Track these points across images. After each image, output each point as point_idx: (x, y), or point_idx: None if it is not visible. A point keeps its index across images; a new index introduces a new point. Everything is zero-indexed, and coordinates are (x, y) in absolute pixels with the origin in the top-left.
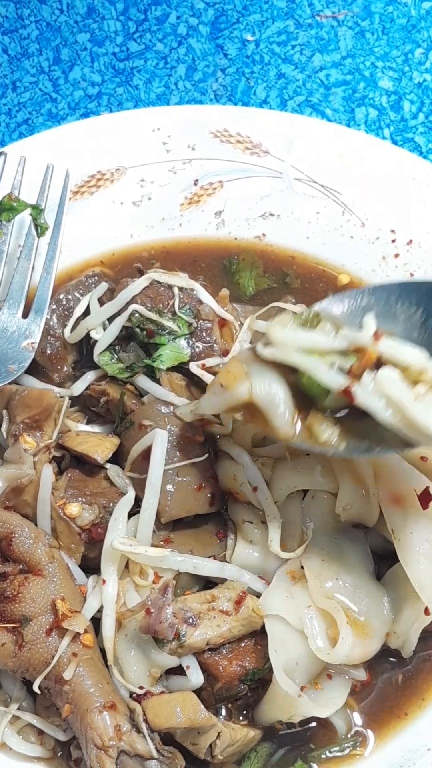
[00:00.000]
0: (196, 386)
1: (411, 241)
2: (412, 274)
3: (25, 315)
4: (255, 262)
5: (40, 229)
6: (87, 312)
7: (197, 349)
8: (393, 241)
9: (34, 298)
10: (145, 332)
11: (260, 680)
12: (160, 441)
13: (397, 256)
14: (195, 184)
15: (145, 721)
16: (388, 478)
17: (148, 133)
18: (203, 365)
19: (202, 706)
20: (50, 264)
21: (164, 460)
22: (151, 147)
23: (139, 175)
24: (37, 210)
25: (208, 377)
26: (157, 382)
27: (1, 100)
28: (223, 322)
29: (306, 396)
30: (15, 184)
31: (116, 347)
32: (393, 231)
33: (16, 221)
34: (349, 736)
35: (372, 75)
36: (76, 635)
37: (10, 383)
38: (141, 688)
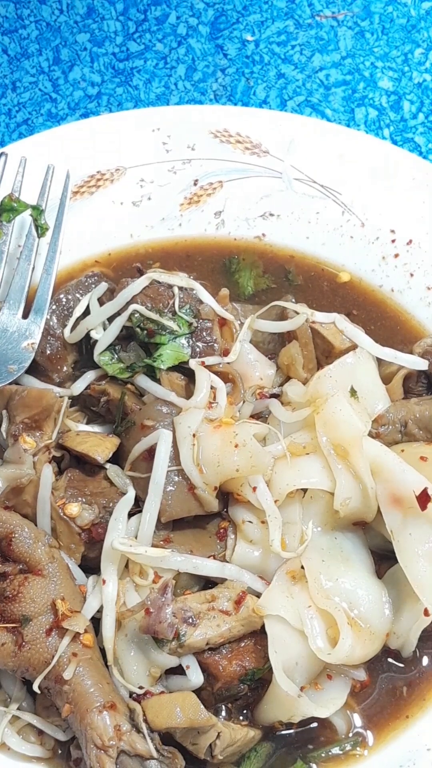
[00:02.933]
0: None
1: (411, 241)
2: (411, 275)
3: (25, 315)
4: (255, 262)
5: (40, 229)
6: (87, 312)
7: (197, 349)
8: (393, 241)
9: (34, 299)
10: (145, 332)
11: (260, 680)
12: (165, 441)
13: (396, 256)
14: (195, 184)
15: (145, 721)
16: (387, 478)
17: (148, 133)
18: (203, 363)
19: (202, 706)
20: (50, 264)
21: (168, 459)
22: (151, 147)
23: (138, 175)
24: (37, 211)
25: (208, 374)
26: (158, 381)
27: (1, 100)
28: (223, 322)
29: None
30: (15, 184)
31: (116, 347)
32: (393, 231)
33: (16, 222)
34: (349, 735)
35: (372, 75)
36: (76, 635)
37: (9, 383)
38: (141, 688)
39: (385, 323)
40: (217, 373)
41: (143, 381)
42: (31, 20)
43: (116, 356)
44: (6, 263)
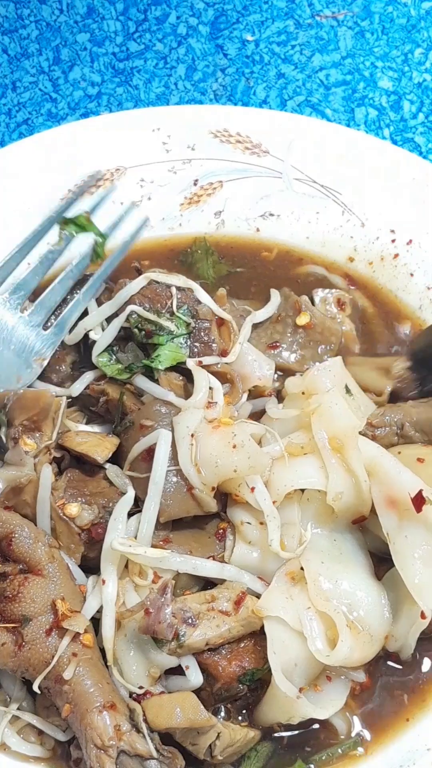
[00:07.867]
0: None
1: (411, 241)
2: (411, 275)
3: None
4: (208, 249)
5: (96, 257)
6: (85, 312)
7: (195, 349)
8: (393, 241)
9: (59, 316)
10: (143, 332)
11: (259, 681)
12: (164, 441)
13: (396, 256)
14: (195, 184)
15: (145, 721)
16: (383, 480)
17: (148, 133)
18: (199, 362)
19: (201, 706)
20: (87, 293)
21: (167, 459)
22: (151, 147)
23: (139, 175)
24: (103, 240)
25: (207, 374)
26: (156, 382)
27: (1, 100)
28: (221, 322)
29: None
30: (92, 205)
31: (114, 348)
32: (393, 231)
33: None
34: (350, 736)
35: (372, 75)
36: (76, 635)
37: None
38: (141, 688)
39: (384, 323)
40: (215, 373)
41: (142, 381)
42: (31, 20)
43: (114, 357)
44: (52, 270)
